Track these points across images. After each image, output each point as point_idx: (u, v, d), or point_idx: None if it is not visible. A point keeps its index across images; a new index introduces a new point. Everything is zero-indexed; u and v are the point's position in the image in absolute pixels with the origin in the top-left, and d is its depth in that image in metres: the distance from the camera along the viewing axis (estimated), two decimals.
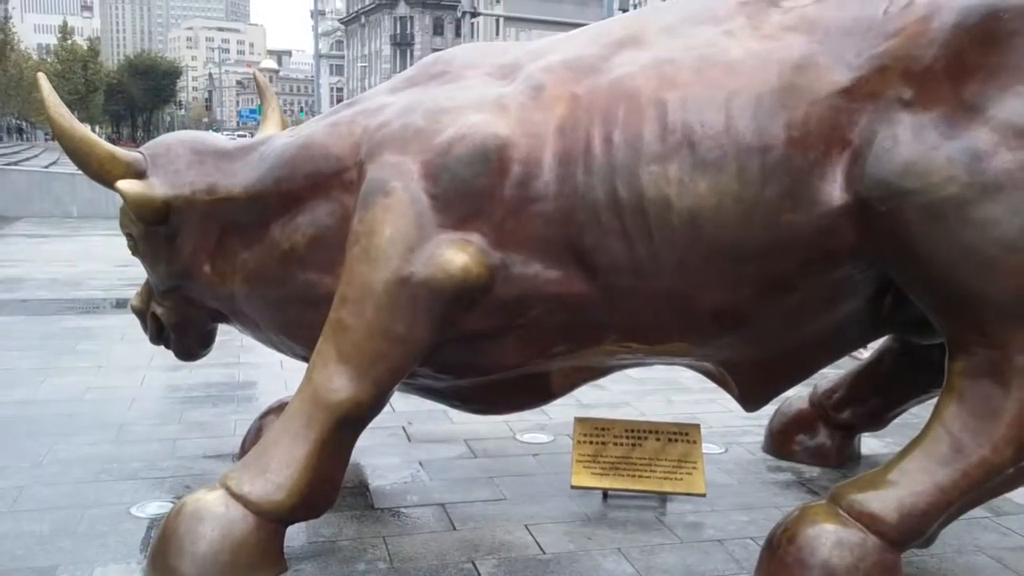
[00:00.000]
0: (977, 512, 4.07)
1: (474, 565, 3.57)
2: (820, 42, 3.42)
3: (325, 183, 3.85)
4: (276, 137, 4.22)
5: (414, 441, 5.14)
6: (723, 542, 3.89)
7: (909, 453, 3.44)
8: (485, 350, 3.89)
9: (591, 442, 4.42)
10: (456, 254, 3.51)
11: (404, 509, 4.13)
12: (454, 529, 3.92)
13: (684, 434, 4.43)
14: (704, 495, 4.22)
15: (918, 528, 3.35)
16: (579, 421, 4.50)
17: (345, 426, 3.53)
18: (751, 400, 4.25)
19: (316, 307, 3.77)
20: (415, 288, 3.49)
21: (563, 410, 5.72)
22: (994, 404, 3.31)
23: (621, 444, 4.41)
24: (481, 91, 3.73)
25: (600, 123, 3.51)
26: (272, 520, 3.43)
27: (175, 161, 4.15)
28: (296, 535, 3.75)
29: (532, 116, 3.59)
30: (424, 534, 3.85)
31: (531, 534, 3.89)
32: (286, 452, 3.48)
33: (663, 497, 4.33)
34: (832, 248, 3.45)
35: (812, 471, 4.85)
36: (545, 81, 3.67)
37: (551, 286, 3.63)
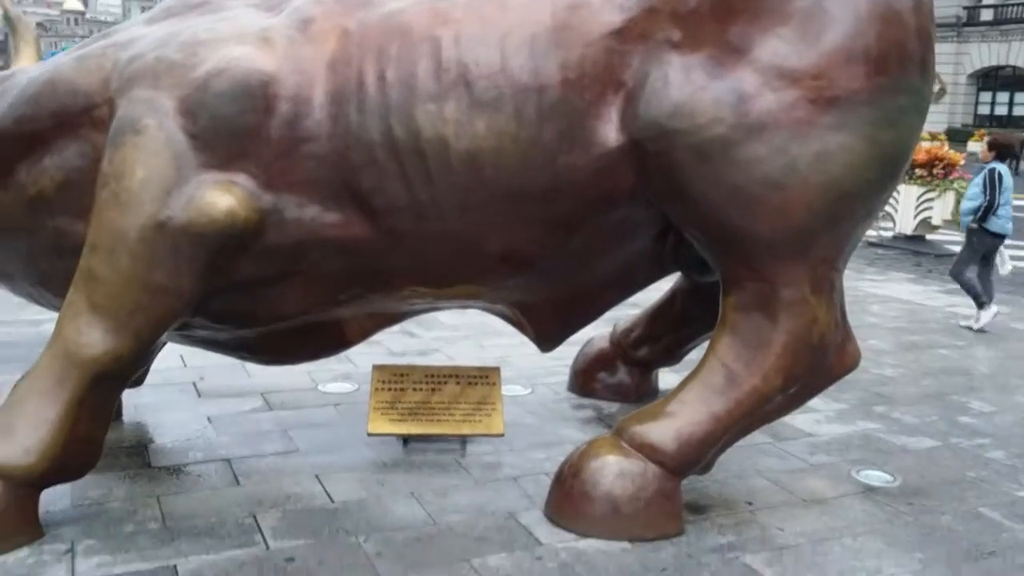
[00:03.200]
0: (760, 438, 4.29)
1: (255, 519, 3.40)
2: None
3: (73, 122, 3.49)
4: (20, 72, 3.78)
5: (205, 396, 4.86)
6: (518, 480, 3.89)
7: (687, 385, 3.54)
8: (264, 298, 3.68)
9: (389, 389, 4.31)
10: (220, 196, 3.26)
11: (184, 467, 3.88)
12: (237, 484, 3.72)
13: (484, 377, 4.39)
14: (503, 435, 4.21)
15: (695, 456, 3.45)
16: (377, 368, 4.37)
17: (103, 383, 3.24)
18: (546, 341, 4.26)
19: (70, 257, 3.42)
20: (174, 234, 3.23)
21: (370, 358, 5.56)
22: (764, 336, 3.44)
23: (420, 389, 4.32)
24: (244, 23, 3.46)
25: (373, 60, 3.33)
26: (22, 485, 3.12)
27: None
28: (59, 498, 3.45)
29: (300, 51, 3.37)
30: (203, 491, 3.63)
31: (321, 484, 3.75)
32: (35, 413, 3.16)
33: (463, 440, 4.29)
34: (611, 189, 3.46)
35: (612, 407, 4.95)
36: (314, 14, 3.44)
37: (329, 230, 3.45)
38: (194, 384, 5.04)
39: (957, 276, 7.94)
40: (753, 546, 3.37)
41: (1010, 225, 7.95)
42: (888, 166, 3.41)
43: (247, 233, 3.32)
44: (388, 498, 3.64)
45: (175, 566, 3.02)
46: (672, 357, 5.07)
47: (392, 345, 5.99)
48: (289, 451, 4.11)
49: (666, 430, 3.43)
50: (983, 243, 7.84)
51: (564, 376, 5.34)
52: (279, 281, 3.61)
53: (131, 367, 3.34)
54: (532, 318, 4.14)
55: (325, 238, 3.45)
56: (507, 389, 5.04)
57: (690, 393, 3.51)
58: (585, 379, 5.17)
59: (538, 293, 3.98)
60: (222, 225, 3.25)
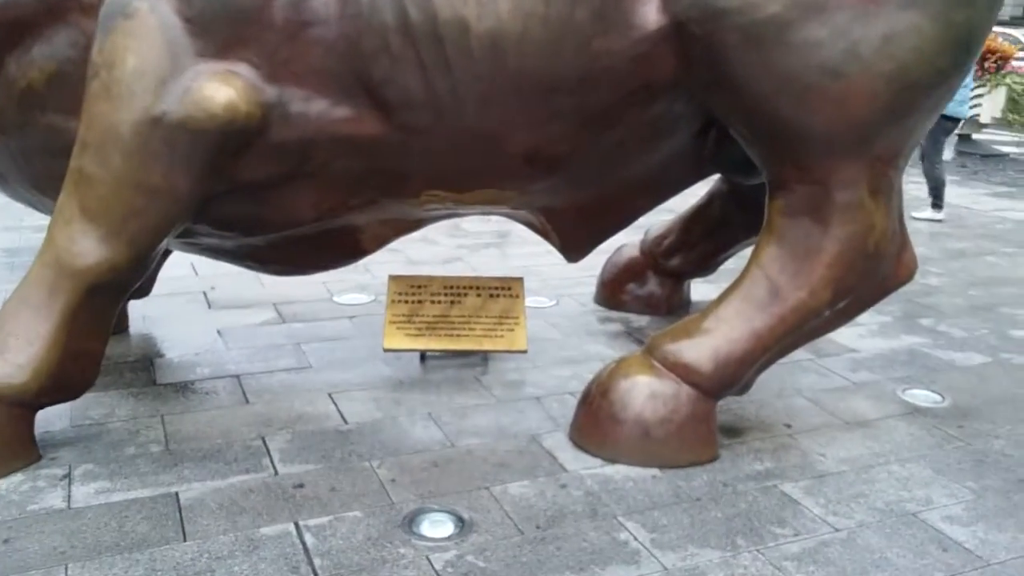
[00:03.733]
0: (800, 354, 4.01)
1: (263, 441, 3.21)
2: None
3: (61, 6, 3.16)
4: None
5: (215, 307, 4.65)
6: (541, 399, 3.67)
7: (726, 299, 3.26)
8: (270, 203, 3.40)
9: (406, 301, 4.07)
10: (219, 88, 2.95)
11: (192, 384, 3.69)
12: (246, 403, 3.53)
13: (506, 288, 4.13)
14: (526, 351, 3.98)
15: (733, 376, 3.20)
16: (393, 279, 4.12)
17: (99, 294, 3.02)
18: (573, 249, 3.98)
19: (64, 157, 3.15)
20: (170, 130, 2.94)
21: (388, 268, 5.33)
22: (813, 244, 3.14)
23: (439, 302, 4.08)
24: None
25: None
26: (15, 405, 2.94)
27: None
28: (58, 418, 3.28)
29: None
30: (210, 411, 3.45)
31: (334, 403, 3.55)
32: (28, 327, 2.95)
33: (485, 356, 4.06)
34: (651, 77, 3.12)
35: (641, 320, 4.70)
36: None
37: (339, 127, 3.15)
38: (205, 294, 4.84)
39: (927, 169, 7.71)
40: (792, 473, 3.15)
41: (964, 108, 7.71)
42: (961, 51, 3.02)
43: (249, 129, 3.03)
44: (404, 419, 3.44)
45: (177, 493, 2.84)
46: (707, 267, 4.78)
47: (411, 253, 5.74)
48: (302, 367, 3.91)
49: (702, 349, 3.17)
50: (936, 127, 7.59)
51: (590, 287, 5.08)
52: (286, 184, 3.34)
53: (129, 277, 3.10)
54: (558, 225, 3.85)
55: (335, 136, 3.16)
56: (531, 300, 4.81)
57: (729, 308, 3.23)
58: (613, 290, 4.90)
59: (565, 198, 3.69)
60: (221, 120, 2.96)
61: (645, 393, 3.15)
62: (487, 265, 5.63)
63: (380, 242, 3.98)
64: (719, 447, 3.25)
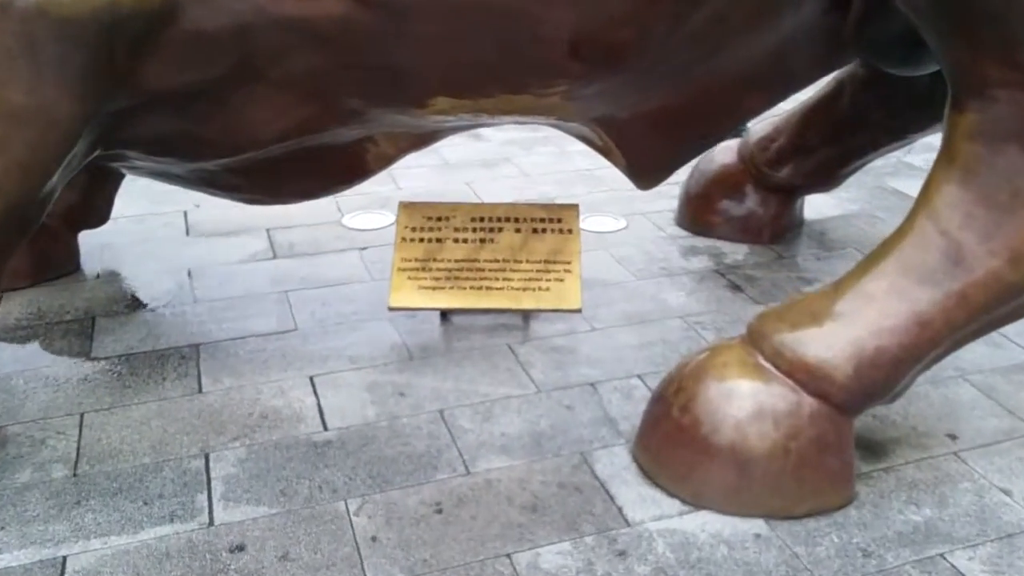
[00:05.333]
0: None
1: (206, 462, 2.32)
2: None
3: None
4: None
5: (193, 234, 3.71)
6: (597, 387, 2.67)
7: (875, 264, 2.17)
8: (213, 119, 2.41)
9: (421, 239, 3.06)
10: None
11: (135, 358, 2.78)
12: (199, 391, 2.62)
13: (555, 220, 3.08)
14: (580, 310, 2.96)
15: (884, 383, 2.14)
16: (404, 208, 3.10)
17: None
18: (644, 173, 2.89)
19: None
20: (25, 23, 1.96)
21: (417, 175, 4.34)
22: (1020, 184, 2.00)
23: (464, 240, 3.06)
24: None
25: None
26: None
27: None
28: None
29: None
30: (148, 403, 2.56)
31: (315, 394, 2.62)
32: None
33: (526, 315, 3.06)
34: None
35: (737, 252, 3.59)
36: None
37: (288, 6, 2.11)
38: (185, 215, 3.89)
39: None
40: (965, 529, 2.11)
41: None
42: None
43: (146, 15, 2.03)
44: (406, 422, 2.50)
45: (64, 559, 1.99)
46: (828, 180, 3.59)
47: (448, 152, 4.66)
48: (284, 331, 2.98)
49: (836, 342, 2.11)
50: None
51: (671, 202, 3.96)
52: (231, 91, 2.34)
53: (7, 235, 2.18)
54: (624, 141, 2.75)
55: (282, 20, 2.13)
56: (592, 222, 3.77)
57: (880, 279, 2.13)
58: (701, 209, 3.76)
59: (633, 103, 2.59)
60: (99, 5, 1.96)
61: (748, 408, 2.12)
62: (540, 168, 4.54)
63: (385, 161, 2.97)
64: (855, 479, 2.23)
